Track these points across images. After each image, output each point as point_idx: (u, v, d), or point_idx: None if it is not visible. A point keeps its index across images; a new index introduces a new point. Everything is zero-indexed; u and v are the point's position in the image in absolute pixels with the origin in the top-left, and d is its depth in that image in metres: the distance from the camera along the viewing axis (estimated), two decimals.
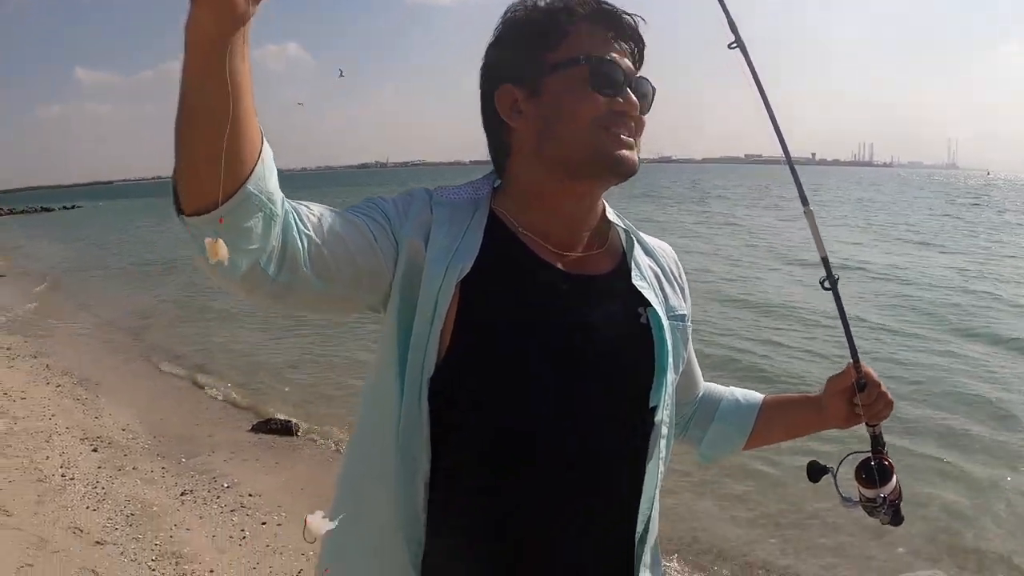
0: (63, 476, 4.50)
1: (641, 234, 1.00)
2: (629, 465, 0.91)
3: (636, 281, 0.93)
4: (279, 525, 3.87)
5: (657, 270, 0.99)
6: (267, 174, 0.70)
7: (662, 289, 0.97)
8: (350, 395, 6.18)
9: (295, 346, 8.20)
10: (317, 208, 0.80)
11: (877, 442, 1.07)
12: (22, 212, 55.24)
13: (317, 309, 0.89)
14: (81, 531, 3.75)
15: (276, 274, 0.74)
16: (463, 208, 0.90)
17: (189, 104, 0.64)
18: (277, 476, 4.70)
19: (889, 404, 1.03)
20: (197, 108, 0.64)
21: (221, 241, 0.65)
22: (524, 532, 0.86)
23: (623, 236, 0.99)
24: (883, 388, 1.03)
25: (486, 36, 0.93)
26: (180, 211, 0.68)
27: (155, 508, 4.12)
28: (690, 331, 1.02)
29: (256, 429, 5.57)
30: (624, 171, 0.87)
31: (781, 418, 1.13)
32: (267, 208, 0.70)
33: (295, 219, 0.75)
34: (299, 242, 0.75)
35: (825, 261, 1.09)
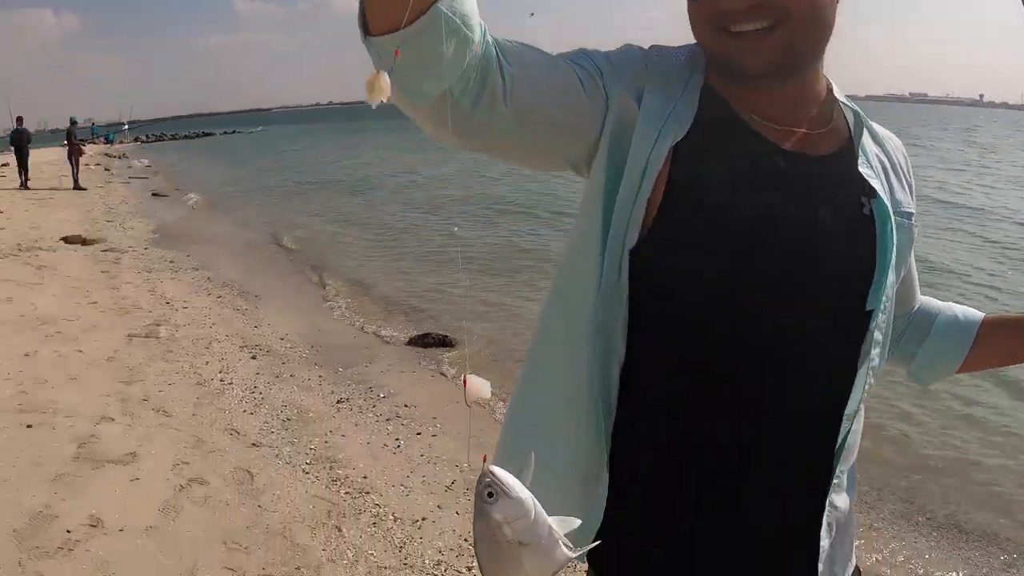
0: (222, 381, 5.08)
1: (870, 120, 1.01)
2: (836, 373, 0.94)
3: (862, 168, 0.95)
4: (433, 436, 4.19)
5: (885, 160, 1.01)
6: None
7: (888, 181, 0.99)
8: (506, 314, 7.09)
9: (453, 267, 9.11)
10: (523, 46, 0.85)
11: None
12: (184, 137, 66.76)
13: (510, 154, 0.94)
14: (238, 433, 4.20)
15: (472, 109, 0.80)
16: (678, 71, 0.95)
17: None
18: (433, 388, 5.12)
19: None
20: None
21: (390, 78, 0.68)
22: (716, 431, 0.92)
23: (851, 118, 1.00)
24: None
25: None
26: (366, 32, 0.74)
27: (311, 414, 4.55)
28: (916, 233, 1.03)
29: (413, 343, 6.20)
30: (746, 73, 0.89)
31: (1004, 341, 1.14)
32: (461, 33, 0.74)
33: (497, 52, 0.81)
34: (500, 77, 0.80)
35: None
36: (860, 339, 0.94)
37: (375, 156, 30.11)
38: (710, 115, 0.92)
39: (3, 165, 22.84)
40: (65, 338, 5.90)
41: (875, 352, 0.95)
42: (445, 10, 0.71)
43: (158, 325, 6.40)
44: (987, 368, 1.19)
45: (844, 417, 0.94)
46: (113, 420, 4.30)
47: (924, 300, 1.22)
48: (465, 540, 3.15)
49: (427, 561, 3.02)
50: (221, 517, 3.28)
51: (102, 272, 8.69)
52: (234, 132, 76.83)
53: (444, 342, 5.99)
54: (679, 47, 0.98)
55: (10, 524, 3.16)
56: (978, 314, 1.17)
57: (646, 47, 0.97)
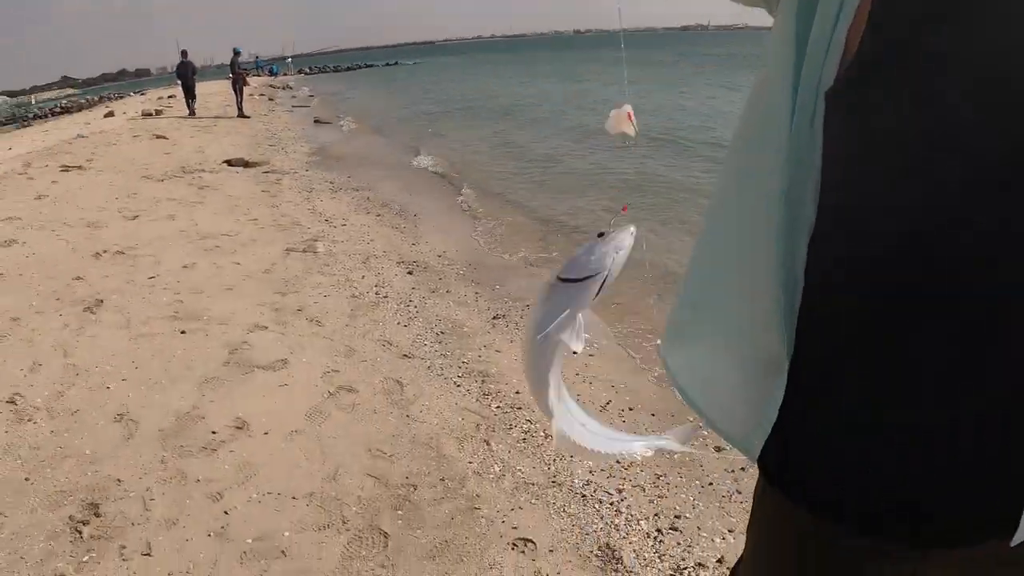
0: (377, 294, 5.15)
1: None
2: None
3: None
4: (590, 356, 4.16)
5: None
6: None
7: None
8: (681, 231, 7.28)
9: (617, 193, 9.27)
10: None
11: None
12: (346, 69, 71.12)
13: None
14: (390, 344, 4.22)
15: None
16: None
17: None
18: (594, 308, 4.88)
19: None
20: None
21: None
22: (923, 320, 0.76)
23: None
24: None
25: None
26: None
27: (465, 328, 4.55)
28: None
29: None
30: None
31: None
32: None
33: None
34: None
35: None
36: None
37: (528, 85, 31.55)
38: None
39: (170, 97, 25.17)
40: (223, 252, 6.28)
41: None
42: None
43: (316, 240, 6.64)
44: None
45: None
46: (266, 328, 4.46)
47: None
48: (618, 462, 3.05)
49: (576, 481, 2.96)
50: (368, 425, 3.31)
51: (263, 191, 9.22)
52: (396, 63, 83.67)
53: None
54: None
55: (157, 424, 3.34)
56: None
57: None
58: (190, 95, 20.73)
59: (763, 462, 0.93)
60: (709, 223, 1.00)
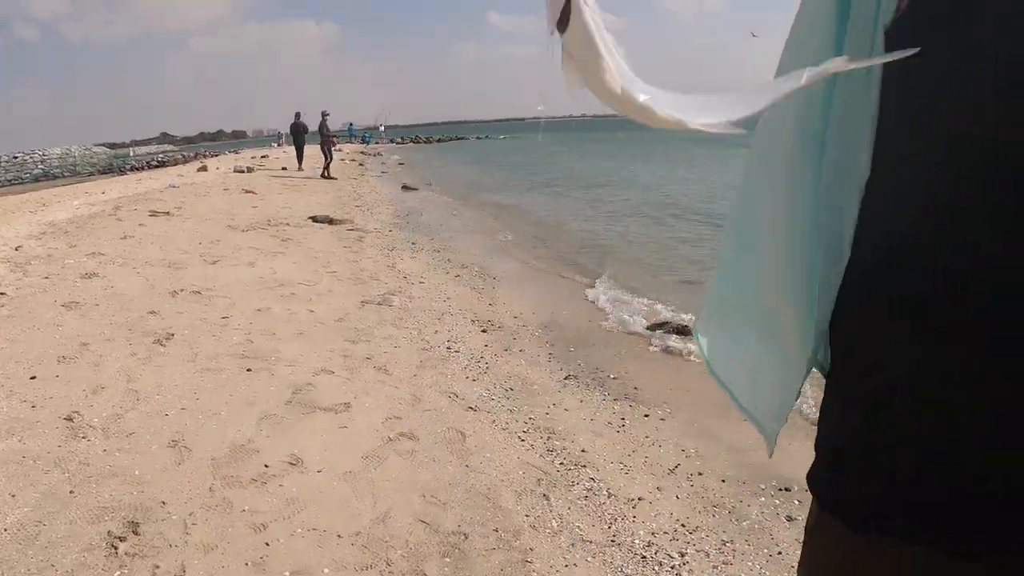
0: (448, 349, 5.15)
1: None
2: None
3: None
4: (661, 419, 4.16)
5: None
6: None
7: None
8: None
9: (689, 254, 9.55)
10: None
11: None
12: (438, 141, 73.95)
13: None
14: (456, 396, 4.19)
15: None
16: None
17: None
18: (665, 373, 5.04)
19: None
20: None
21: None
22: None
23: None
24: None
25: None
26: None
27: (535, 386, 4.53)
28: None
29: (651, 328, 6.28)
30: None
31: None
32: None
33: None
34: None
35: None
36: None
37: (611, 161, 32.87)
38: None
39: (263, 157, 26.45)
40: (299, 299, 6.42)
41: None
42: None
43: (392, 295, 6.73)
44: None
45: None
46: (332, 373, 4.49)
47: None
48: (683, 526, 2.99)
49: (637, 541, 2.88)
50: (424, 472, 3.25)
51: (344, 247, 9.46)
52: (487, 137, 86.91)
53: (681, 331, 6.02)
54: None
55: (210, 453, 3.36)
56: None
57: None
58: (300, 153, 22.43)
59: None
60: (744, 181, 0.98)
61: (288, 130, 23.99)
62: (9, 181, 55.81)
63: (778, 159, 0.90)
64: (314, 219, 11.84)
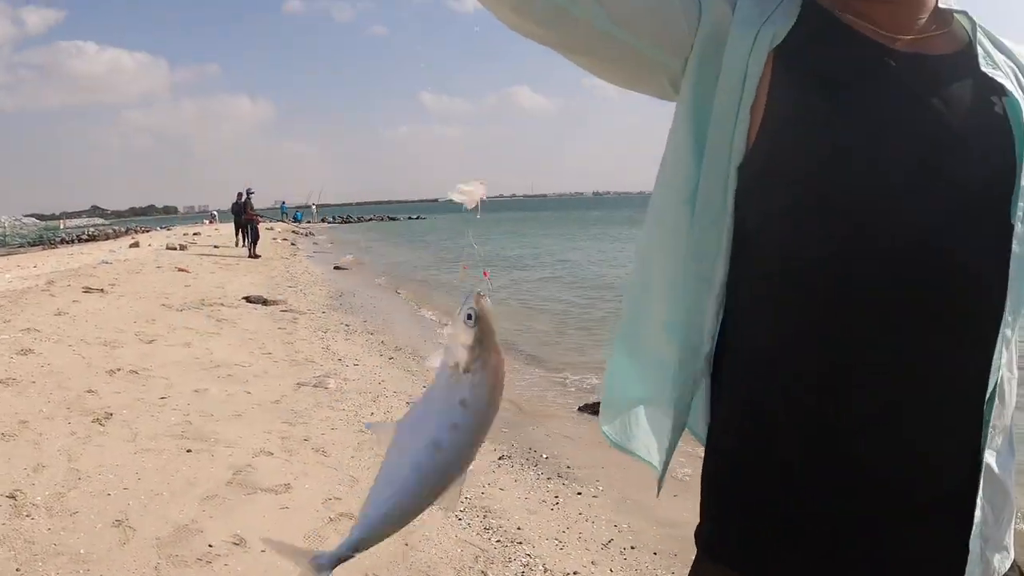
0: None
1: (994, 33, 1.05)
2: (979, 296, 0.90)
3: (985, 68, 0.97)
4: (594, 496, 4.41)
5: (1014, 67, 1.02)
6: None
7: (1020, 87, 0.98)
8: None
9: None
10: None
11: None
12: (369, 220, 74.30)
13: (594, 53, 1.01)
14: None
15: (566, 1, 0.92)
16: None
17: None
18: (598, 451, 5.23)
19: None
20: None
21: None
22: (839, 369, 0.91)
23: (966, 23, 1.04)
24: None
25: None
26: None
27: (471, 468, 4.57)
28: None
29: (583, 410, 6.56)
30: None
31: None
32: None
33: None
34: None
35: None
36: (1005, 256, 0.90)
37: (538, 241, 34.18)
38: (811, 20, 0.98)
39: (195, 234, 26.23)
40: (235, 380, 6.47)
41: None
42: None
43: (328, 377, 6.83)
44: None
45: (993, 357, 0.91)
46: (271, 454, 4.58)
47: None
48: None
49: None
50: (366, 552, 3.34)
51: (279, 328, 9.52)
52: (418, 218, 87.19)
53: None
54: None
55: (154, 532, 3.42)
56: None
57: None
58: (246, 234, 22.17)
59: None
60: (635, 267, 1.14)
61: (230, 208, 23.65)
62: None
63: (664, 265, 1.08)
64: (248, 299, 11.84)
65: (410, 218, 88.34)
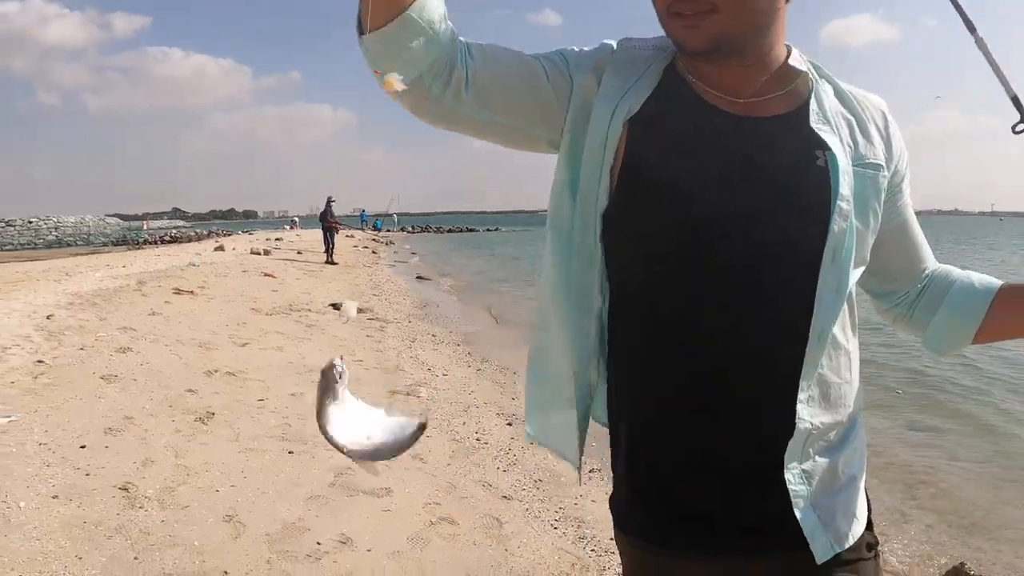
0: (477, 440, 5.45)
1: (841, 82, 1.26)
2: (794, 318, 1.14)
3: (814, 124, 1.17)
4: None
5: (851, 118, 1.22)
6: (428, 5, 1.09)
7: (853, 137, 1.21)
8: None
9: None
10: (491, 46, 1.20)
11: None
12: (448, 231, 77.23)
13: (487, 134, 1.25)
14: (490, 485, 4.49)
15: (440, 94, 1.15)
16: (644, 56, 1.25)
17: None
18: None
19: None
20: None
21: (392, 77, 1.08)
22: (689, 381, 1.18)
23: (808, 81, 1.23)
24: None
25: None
26: (360, 33, 1.10)
27: (563, 479, 4.87)
28: (904, 191, 1.30)
29: None
30: (687, 51, 1.16)
31: (1021, 310, 1.30)
32: (428, 32, 1.09)
33: (463, 49, 1.16)
34: (463, 69, 1.15)
35: (1016, 100, 1.30)
36: (807, 287, 1.13)
37: None
38: (666, 91, 1.21)
39: (277, 239, 27.10)
40: None
41: (835, 285, 1.14)
42: (414, 15, 1.07)
43: (419, 386, 7.04)
44: (1006, 339, 1.34)
45: (802, 379, 1.15)
46: None
47: (940, 269, 1.40)
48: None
49: None
50: (467, 554, 3.55)
51: (367, 336, 9.81)
52: (496, 229, 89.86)
53: None
54: (653, 37, 1.26)
55: (264, 529, 3.62)
56: (995, 282, 1.34)
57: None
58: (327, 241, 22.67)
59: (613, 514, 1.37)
60: (538, 296, 1.36)
61: (318, 216, 24.26)
62: (23, 245, 57.13)
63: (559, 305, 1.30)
64: (335, 306, 12.22)
65: (487, 230, 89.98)
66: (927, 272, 1.40)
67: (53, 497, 3.82)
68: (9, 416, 5.07)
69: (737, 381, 1.15)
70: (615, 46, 1.27)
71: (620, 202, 1.17)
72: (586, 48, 1.27)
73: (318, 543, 3.50)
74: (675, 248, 1.15)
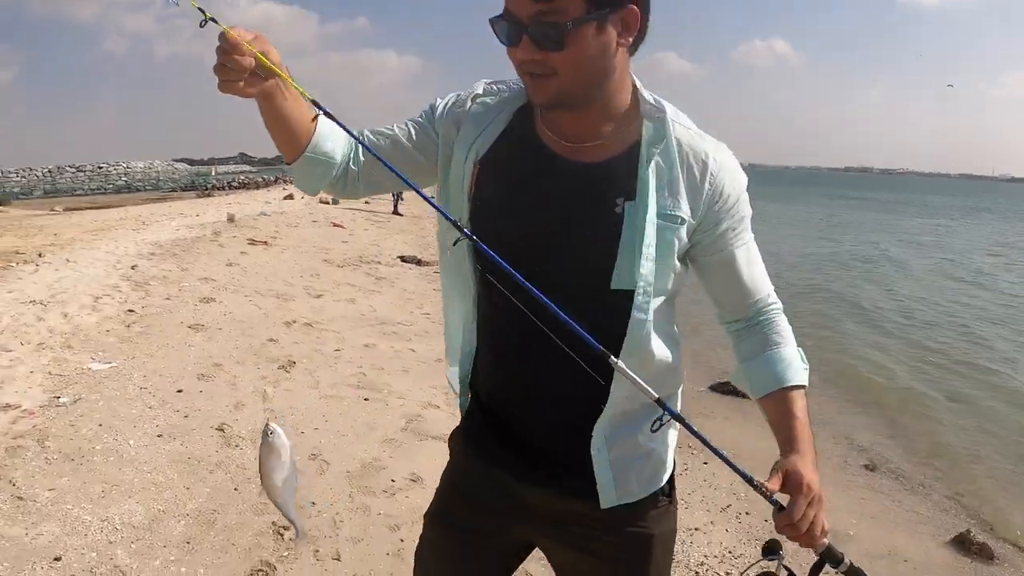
0: None
1: (678, 130, 1.44)
2: (597, 336, 1.34)
3: (625, 175, 1.42)
4: (721, 466, 4.78)
5: (671, 170, 1.42)
6: (320, 142, 1.47)
7: (667, 188, 1.41)
8: None
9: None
10: (377, 138, 1.58)
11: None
12: None
13: (380, 191, 1.71)
14: None
15: (343, 187, 1.59)
16: (500, 102, 1.56)
17: (264, 120, 1.43)
18: (729, 428, 5.61)
19: (812, 540, 1.44)
20: (267, 124, 1.43)
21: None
22: (505, 360, 1.60)
23: (646, 131, 1.44)
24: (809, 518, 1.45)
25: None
26: (286, 162, 1.52)
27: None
28: (725, 235, 1.47)
29: (714, 389, 7.29)
30: (536, 103, 1.45)
31: (774, 426, 1.59)
32: (324, 160, 1.50)
33: (351, 158, 1.56)
34: (356, 169, 1.57)
35: None
36: (622, 312, 1.41)
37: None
38: (513, 134, 1.52)
39: None
40: (400, 337, 7.30)
41: (646, 327, 1.43)
42: (310, 154, 1.47)
43: None
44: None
45: (612, 385, 1.45)
46: (438, 408, 5.31)
47: (771, 323, 1.57)
48: (730, 552, 3.91)
49: (691, 561, 3.84)
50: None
51: (435, 290, 10.35)
52: None
53: (734, 391, 6.94)
54: (514, 83, 1.57)
55: (345, 467, 4.19)
56: (780, 383, 1.53)
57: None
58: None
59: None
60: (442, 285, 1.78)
61: None
62: (93, 190, 59.40)
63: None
64: (403, 259, 12.80)
65: None
66: (756, 308, 1.58)
67: (158, 436, 4.46)
68: (110, 363, 5.76)
69: (555, 372, 1.49)
70: (472, 95, 1.58)
71: (471, 222, 1.49)
72: (450, 97, 1.60)
73: (392, 480, 4.05)
74: (507, 260, 1.38)
